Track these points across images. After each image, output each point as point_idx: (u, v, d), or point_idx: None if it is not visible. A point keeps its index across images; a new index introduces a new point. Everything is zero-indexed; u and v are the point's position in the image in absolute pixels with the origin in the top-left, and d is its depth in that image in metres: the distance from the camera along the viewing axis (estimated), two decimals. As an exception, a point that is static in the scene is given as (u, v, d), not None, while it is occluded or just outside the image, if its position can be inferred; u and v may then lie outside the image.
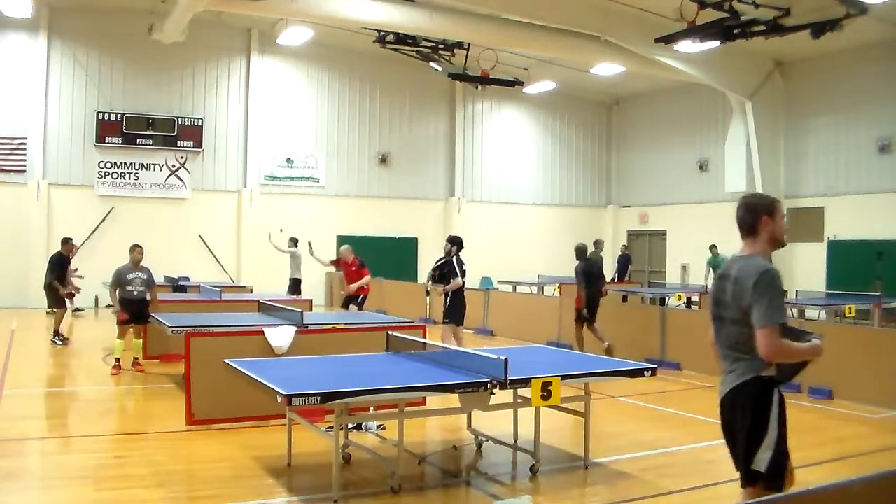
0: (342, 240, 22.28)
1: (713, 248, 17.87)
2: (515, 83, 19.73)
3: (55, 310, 13.41)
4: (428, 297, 16.70)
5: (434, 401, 7.05)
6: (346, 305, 13.34)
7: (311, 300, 13.31)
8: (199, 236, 20.86)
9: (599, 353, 10.14)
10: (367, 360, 6.57)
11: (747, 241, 3.80)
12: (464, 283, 11.08)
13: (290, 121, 22.16)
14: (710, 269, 17.81)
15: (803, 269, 19.28)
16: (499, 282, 21.51)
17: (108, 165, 20.11)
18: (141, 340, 10.65)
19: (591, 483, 5.92)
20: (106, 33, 19.84)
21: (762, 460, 3.59)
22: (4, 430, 7.08)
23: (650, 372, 6.22)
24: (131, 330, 10.50)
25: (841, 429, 7.92)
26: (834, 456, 6.65)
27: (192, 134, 20.77)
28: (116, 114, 20.01)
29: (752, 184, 20.39)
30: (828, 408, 8.82)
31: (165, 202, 20.63)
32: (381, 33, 18.22)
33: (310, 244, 15.39)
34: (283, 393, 4.77)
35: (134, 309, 10.36)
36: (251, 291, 15.26)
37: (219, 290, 13.09)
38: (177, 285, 15.33)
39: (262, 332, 7.74)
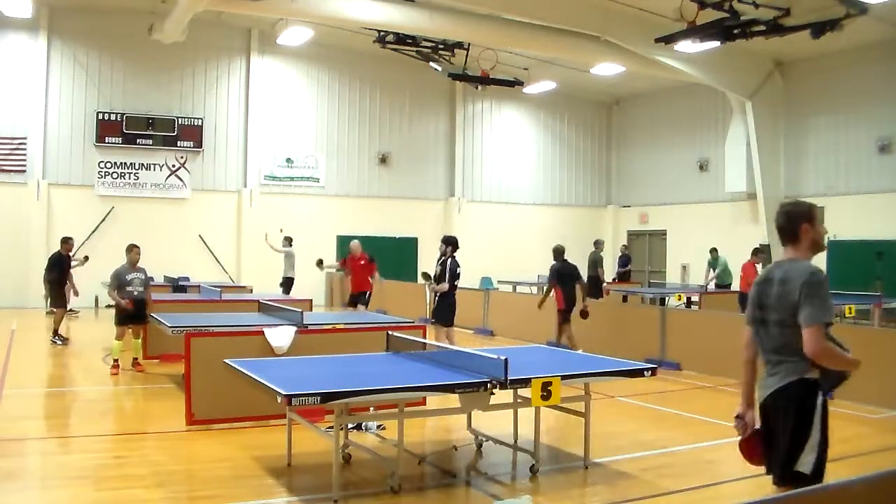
0: (342, 240, 22.37)
1: (713, 251, 17.87)
2: (515, 83, 19.72)
3: (54, 309, 13.42)
4: (427, 297, 16.72)
5: (434, 401, 7.05)
6: (353, 304, 13.32)
7: (311, 300, 13.29)
8: (199, 236, 20.86)
9: (591, 350, 10.12)
10: (367, 360, 6.56)
11: (789, 247, 3.85)
12: (455, 286, 10.85)
13: (290, 121, 22.16)
14: (711, 271, 17.83)
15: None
16: (499, 282, 21.53)
17: (108, 165, 20.11)
18: (140, 340, 10.66)
19: (591, 483, 5.91)
20: (106, 33, 19.85)
21: (807, 462, 3.61)
22: (4, 430, 7.08)
23: (650, 372, 6.21)
24: (129, 331, 10.50)
25: (841, 429, 7.86)
26: (834, 456, 6.57)
27: (192, 134, 20.78)
28: (116, 114, 20.01)
29: (752, 184, 20.41)
30: (828, 408, 8.81)
31: (165, 202, 20.63)
32: (381, 33, 18.22)
33: (320, 262, 15.49)
34: (283, 393, 4.77)
35: (133, 309, 10.36)
36: (251, 291, 15.25)
37: (219, 290, 13.09)
38: (177, 285, 15.34)
39: (262, 332, 7.74)
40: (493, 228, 24.15)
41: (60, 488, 5.56)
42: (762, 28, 14.30)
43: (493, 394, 5.42)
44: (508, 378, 5.27)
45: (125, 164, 20.25)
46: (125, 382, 9.74)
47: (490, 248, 23.25)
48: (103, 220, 19.88)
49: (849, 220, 18.74)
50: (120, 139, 20.03)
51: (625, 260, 21.94)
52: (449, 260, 10.85)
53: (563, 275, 11.78)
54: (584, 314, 11.83)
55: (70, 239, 13.97)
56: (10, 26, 18.91)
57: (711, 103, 22.38)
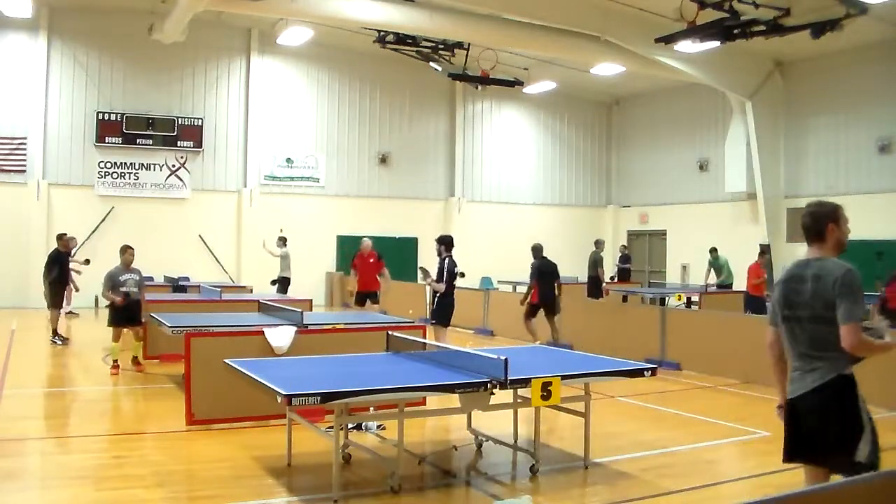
0: (342, 240, 22.41)
1: (713, 251, 17.87)
2: (515, 83, 19.73)
3: (50, 309, 13.32)
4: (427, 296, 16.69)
5: (434, 401, 7.05)
6: (361, 302, 13.27)
7: (311, 300, 13.29)
8: (199, 236, 20.86)
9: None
10: (367, 360, 6.56)
11: (815, 247, 3.96)
12: (454, 286, 10.92)
13: (290, 121, 22.16)
14: (712, 271, 17.82)
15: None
16: (499, 282, 21.52)
17: (108, 165, 20.11)
18: (141, 342, 10.59)
19: (591, 483, 5.91)
20: (106, 33, 19.85)
21: (865, 453, 3.73)
22: (4, 430, 7.08)
23: (650, 372, 6.21)
24: (126, 331, 10.43)
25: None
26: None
27: (192, 134, 20.78)
28: (116, 114, 20.01)
29: (752, 184, 20.40)
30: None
31: (165, 202, 20.63)
32: (381, 33, 18.22)
33: (345, 281, 15.63)
34: (283, 393, 4.77)
35: (129, 312, 10.31)
36: (251, 291, 15.24)
37: (219, 290, 13.09)
38: (177, 285, 15.33)
39: (262, 332, 7.74)
40: (493, 228, 24.14)
41: (60, 488, 5.56)
42: (762, 28, 14.30)
43: (493, 394, 5.42)
44: (508, 378, 5.26)
45: (125, 164, 20.25)
46: (125, 382, 9.74)
47: (490, 248, 23.25)
48: (103, 220, 19.88)
49: (849, 220, 18.72)
50: (120, 139, 20.03)
51: (624, 259, 21.96)
52: (447, 259, 10.88)
53: (542, 272, 12.17)
54: (551, 310, 12.32)
55: (65, 235, 13.91)
56: (10, 26, 18.90)
57: (711, 103, 22.38)
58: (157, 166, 20.55)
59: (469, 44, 18.71)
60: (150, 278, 15.00)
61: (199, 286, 14.70)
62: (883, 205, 18.06)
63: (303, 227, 21.42)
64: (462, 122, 24.41)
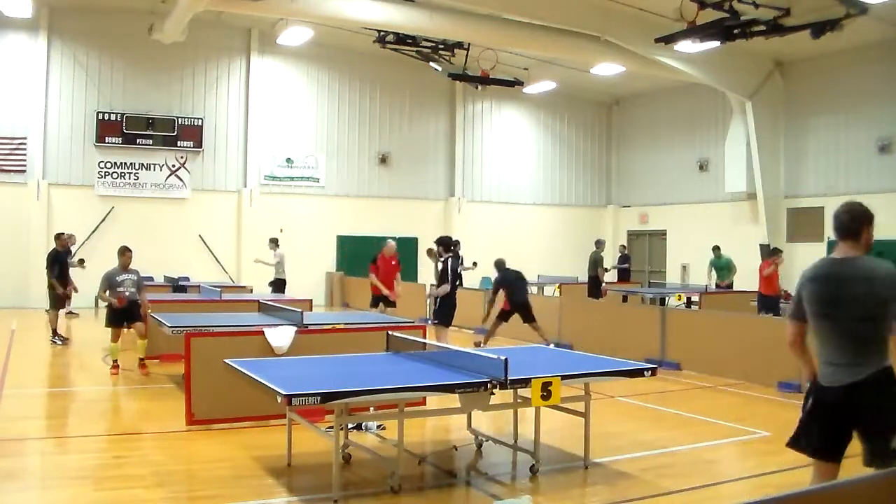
0: (342, 240, 22.41)
1: (716, 248, 17.86)
2: (515, 83, 19.74)
3: (48, 309, 13.29)
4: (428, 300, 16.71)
5: (434, 401, 7.05)
6: (375, 304, 13.24)
7: (311, 300, 13.28)
8: (199, 236, 20.86)
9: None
10: (367, 360, 6.56)
11: (848, 245, 4.09)
12: (457, 286, 11.36)
13: (290, 121, 22.16)
14: (713, 270, 17.81)
15: (803, 268, 19.19)
16: (499, 282, 21.48)
17: (108, 165, 20.11)
18: (146, 341, 10.46)
19: (591, 483, 5.91)
20: (106, 33, 19.84)
21: None
22: (4, 430, 7.08)
23: (650, 372, 6.21)
24: (125, 331, 10.37)
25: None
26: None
27: (192, 134, 20.78)
28: (116, 114, 20.01)
29: (752, 184, 20.40)
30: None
31: (165, 202, 20.63)
32: (381, 33, 18.22)
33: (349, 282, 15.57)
34: (283, 393, 4.77)
35: (126, 313, 10.27)
36: (251, 291, 15.25)
37: (219, 290, 13.08)
38: (177, 285, 15.33)
39: (262, 332, 7.74)
40: (493, 228, 24.13)
41: (60, 488, 5.55)
42: (762, 28, 14.31)
43: (493, 394, 5.42)
44: (508, 378, 5.26)
45: (125, 164, 20.25)
46: (125, 382, 9.73)
47: (490, 248, 23.13)
48: (103, 220, 19.88)
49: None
50: (120, 139, 20.03)
51: (623, 259, 21.94)
52: (450, 260, 10.92)
53: (509, 281, 12.44)
54: (525, 317, 12.47)
55: (62, 234, 13.89)
56: (10, 26, 18.90)
57: (711, 103, 22.38)
58: (157, 166, 20.55)
59: (469, 44, 18.71)
60: (150, 278, 15.00)
61: (199, 286, 14.70)
62: (883, 205, 17.83)
63: (303, 227, 21.43)
64: (462, 122, 24.41)
